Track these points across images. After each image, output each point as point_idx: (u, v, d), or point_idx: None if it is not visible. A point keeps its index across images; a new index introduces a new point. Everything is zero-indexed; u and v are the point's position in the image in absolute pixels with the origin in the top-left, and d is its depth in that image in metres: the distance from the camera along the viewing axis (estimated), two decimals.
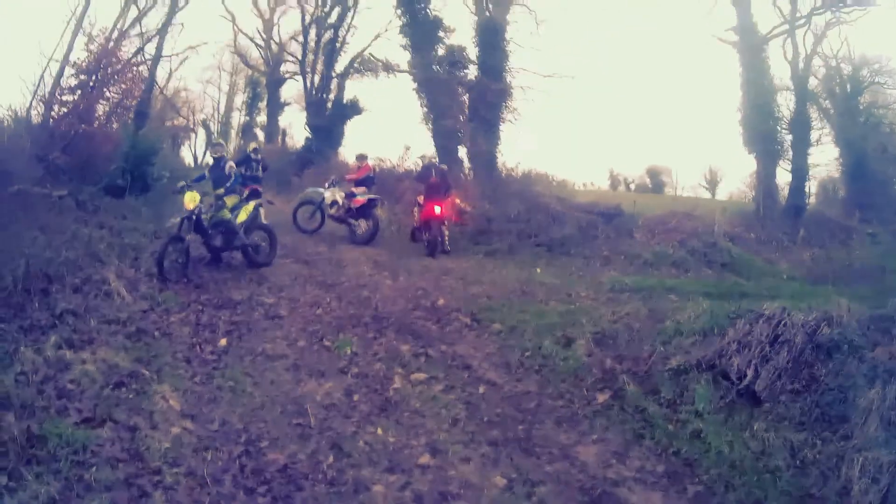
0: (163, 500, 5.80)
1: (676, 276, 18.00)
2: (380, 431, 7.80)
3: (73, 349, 8.56)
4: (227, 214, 13.87)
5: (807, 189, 29.88)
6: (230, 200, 14.22)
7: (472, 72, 28.28)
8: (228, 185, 14.15)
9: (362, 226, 19.21)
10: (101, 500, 5.70)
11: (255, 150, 19.82)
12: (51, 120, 19.84)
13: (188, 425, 7.25)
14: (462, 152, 27.77)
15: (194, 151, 46.82)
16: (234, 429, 7.33)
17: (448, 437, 7.90)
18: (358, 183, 19.90)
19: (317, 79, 32.86)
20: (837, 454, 8.09)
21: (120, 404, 7.39)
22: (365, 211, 19.26)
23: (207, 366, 8.94)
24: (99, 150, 19.01)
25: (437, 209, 18.38)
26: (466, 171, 27.19)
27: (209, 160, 16.51)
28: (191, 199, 12.96)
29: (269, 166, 20.62)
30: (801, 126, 28.65)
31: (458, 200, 20.40)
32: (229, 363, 9.09)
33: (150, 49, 28.32)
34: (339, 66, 32.85)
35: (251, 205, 14.99)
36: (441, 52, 28.30)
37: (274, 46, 36.58)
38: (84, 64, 20.06)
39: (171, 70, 35.76)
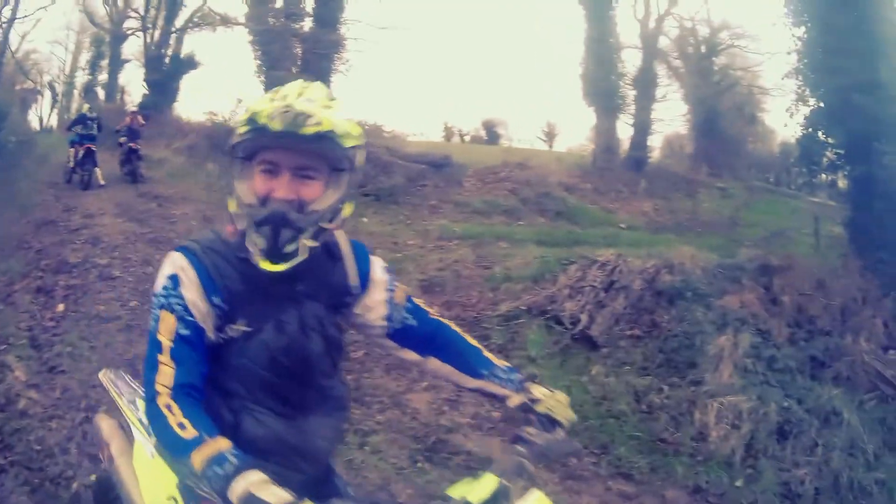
0: (15, 475, 5.68)
1: (507, 225, 18.28)
2: None
3: None
4: None
5: (649, 143, 30.79)
6: None
7: (308, 24, 28.04)
8: None
9: None
10: None
11: (89, 109, 20.07)
12: None
13: (34, 395, 7.13)
14: None
15: (40, 114, 45.36)
16: (74, 395, 7.20)
17: None
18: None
19: (157, 34, 32.33)
20: (688, 399, 8.31)
21: None
22: None
23: (47, 332, 8.77)
24: None
25: None
26: None
27: None
28: None
29: (105, 125, 20.51)
30: (645, 82, 29.32)
31: None
32: (67, 329, 8.91)
33: (7, 12, 27.58)
34: (180, 21, 32.36)
35: None
36: (278, 4, 27.98)
37: (120, 2, 35.63)
38: None
39: (23, 33, 34.93)
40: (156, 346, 2.34)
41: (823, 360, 8.91)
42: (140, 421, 3.51)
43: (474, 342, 2.91)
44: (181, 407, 2.25)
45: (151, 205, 17.33)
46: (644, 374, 8.81)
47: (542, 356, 9.25)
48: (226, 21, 30.74)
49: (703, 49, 32.09)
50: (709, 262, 10.32)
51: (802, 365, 8.75)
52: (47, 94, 44.20)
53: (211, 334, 2.43)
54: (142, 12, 33.46)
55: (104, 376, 4.08)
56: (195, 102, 62.54)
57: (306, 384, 2.63)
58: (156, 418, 2.28)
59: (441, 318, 2.91)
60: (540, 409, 2.74)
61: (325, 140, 2.30)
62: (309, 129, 2.25)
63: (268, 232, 2.33)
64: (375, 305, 2.79)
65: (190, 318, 2.37)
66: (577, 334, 9.48)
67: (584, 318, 9.56)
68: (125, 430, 3.67)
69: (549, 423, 2.68)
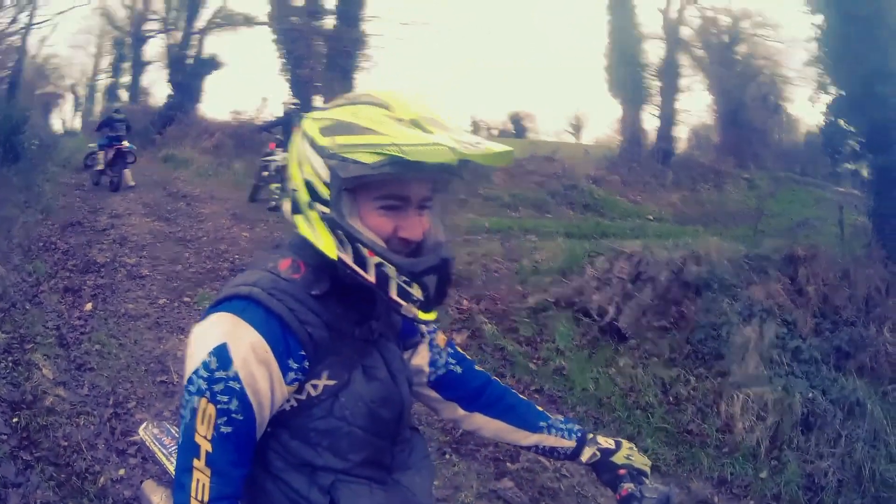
0: (41, 470, 5.66)
1: (536, 218, 18.41)
2: None
3: None
4: None
5: (676, 134, 30.97)
6: None
7: (330, 22, 28.32)
8: None
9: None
10: None
11: (116, 110, 20.16)
12: None
13: (61, 393, 7.14)
14: (319, 102, 27.71)
15: (63, 117, 45.89)
16: (102, 392, 7.27)
17: None
18: None
19: (179, 35, 32.62)
20: (715, 391, 8.27)
21: None
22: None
23: (75, 331, 8.80)
24: None
25: None
26: None
27: None
28: None
29: (133, 126, 20.72)
30: (670, 73, 29.37)
31: None
32: (95, 327, 8.97)
33: (23, 18, 27.82)
34: (201, 22, 32.63)
35: None
36: (300, 2, 28.37)
37: (140, 4, 35.96)
38: None
39: (42, 37, 35.37)
40: (191, 448, 1.85)
41: (848, 351, 8.80)
42: None
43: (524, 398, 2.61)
44: None
45: (180, 204, 17.51)
46: (671, 366, 8.78)
47: (570, 348, 9.25)
48: (248, 21, 31.06)
49: (725, 38, 32.02)
50: (735, 252, 10.23)
51: (827, 356, 8.66)
52: (70, 97, 44.79)
53: (267, 415, 1.93)
54: (162, 14, 33.79)
55: (145, 432, 3.30)
56: (220, 101, 63.05)
57: (397, 439, 2.20)
58: None
59: (487, 372, 2.62)
60: (619, 460, 2.48)
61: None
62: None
63: (432, 281, 1.93)
64: (420, 348, 2.48)
65: (237, 415, 1.85)
66: (604, 326, 9.46)
67: (611, 309, 9.53)
68: None
69: (637, 473, 2.45)
